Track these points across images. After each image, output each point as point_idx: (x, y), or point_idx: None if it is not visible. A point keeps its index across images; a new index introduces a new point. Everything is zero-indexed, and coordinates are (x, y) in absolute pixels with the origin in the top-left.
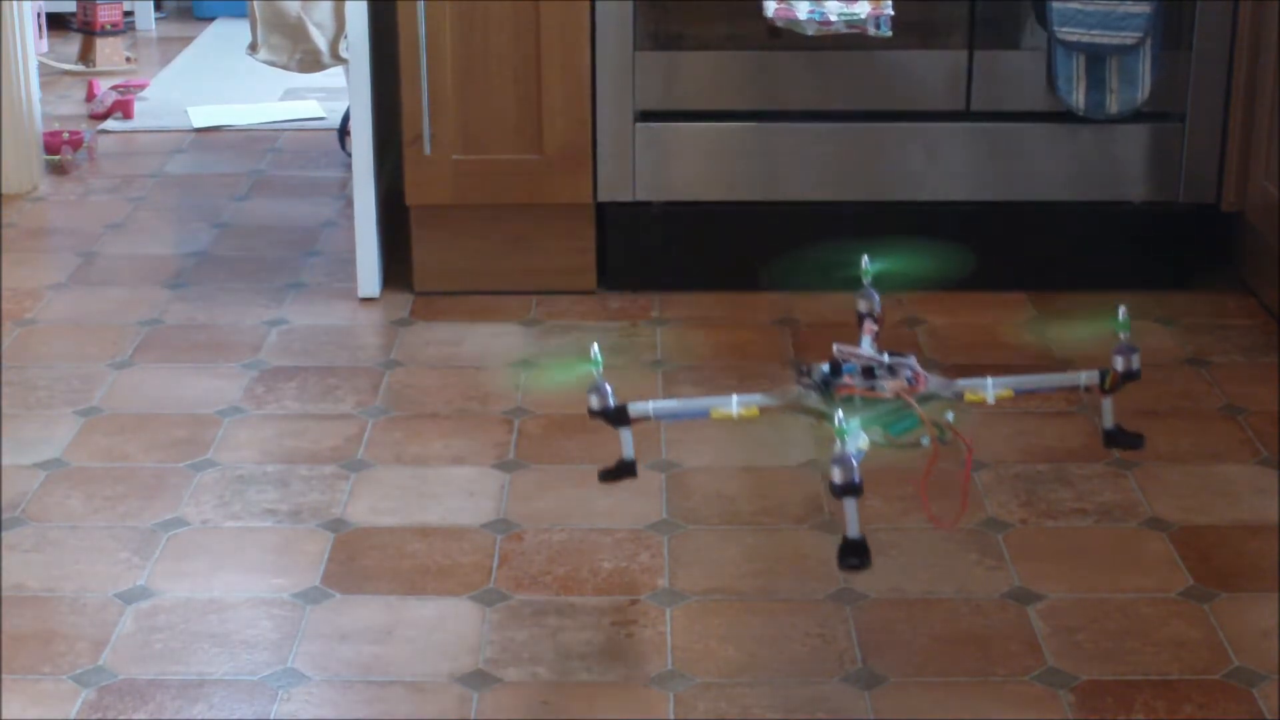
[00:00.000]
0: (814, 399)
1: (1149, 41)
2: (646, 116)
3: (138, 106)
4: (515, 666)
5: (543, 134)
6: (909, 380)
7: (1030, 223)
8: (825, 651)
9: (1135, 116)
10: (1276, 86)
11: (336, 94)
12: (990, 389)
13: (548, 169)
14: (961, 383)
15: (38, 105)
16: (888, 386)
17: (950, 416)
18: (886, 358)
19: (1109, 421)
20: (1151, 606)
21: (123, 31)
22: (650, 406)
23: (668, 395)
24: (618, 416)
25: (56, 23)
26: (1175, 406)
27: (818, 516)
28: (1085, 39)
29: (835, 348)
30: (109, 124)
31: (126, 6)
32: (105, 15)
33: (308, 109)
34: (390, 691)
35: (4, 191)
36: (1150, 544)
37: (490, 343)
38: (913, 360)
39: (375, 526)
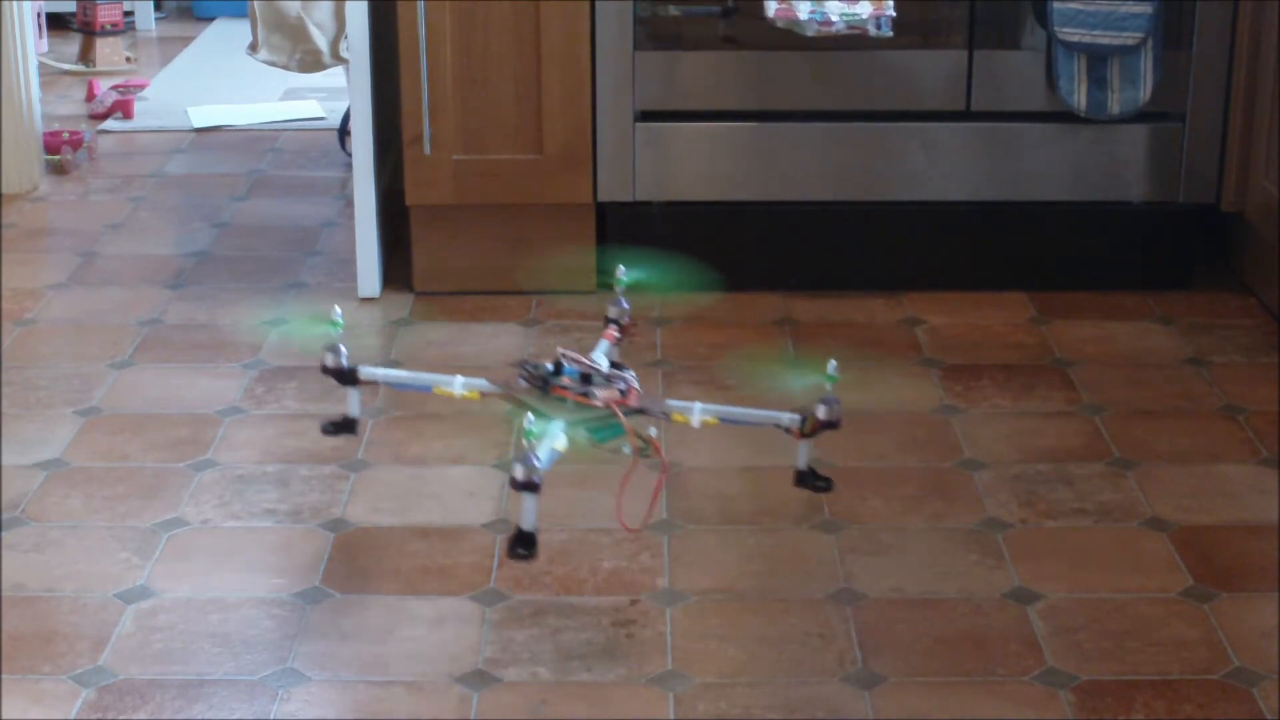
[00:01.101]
0: (531, 394)
1: (1150, 42)
2: (646, 116)
3: (138, 106)
4: (515, 666)
5: (543, 134)
6: (621, 392)
7: (1030, 223)
8: (825, 651)
9: (1136, 117)
10: (1276, 86)
11: (336, 94)
12: (696, 414)
13: (548, 169)
14: (671, 403)
15: (38, 105)
16: (600, 395)
17: (654, 432)
18: (606, 367)
19: (802, 463)
20: (1151, 606)
21: (123, 31)
22: (380, 373)
23: (668, 395)
24: (348, 377)
25: (56, 23)
26: (1175, 406)
27: (818, 516)
28: (1086, 39)
29: (559, 350)
30: (109, 124)
31: (126, 6)
32: (105, 15)
33: (308, 109)
34: (390, 691)
35: (4, 191)
36: (1150, 544)
37: (490, 343)
38: (631, 375)
39: (375, 526)
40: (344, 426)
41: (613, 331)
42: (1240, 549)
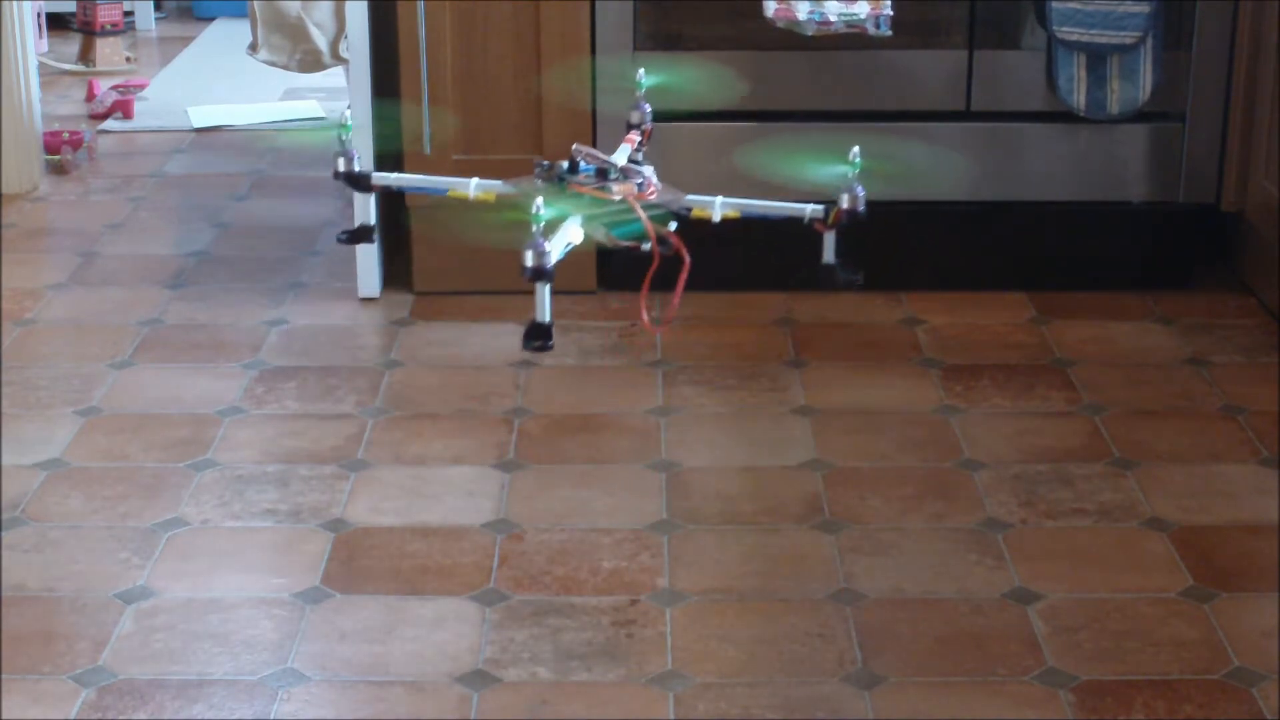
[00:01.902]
0: (547, 192)
1: (1150, 41)
2: None
3: (138, 106)
4: (515, 666)
5: (543, 134)
6: (639, 187)
7: (1030, 223)
8: (825, 651)
9: (1135, 116)
10: (1276, 86)
11: (336, 94)
12: (718, 207)
13: None
14: (690, 198)
15: (38, 105)
16: (617, 189)
17: (674, 227)
18: (622, 161)
19: (829, 255)
20: (1151, 606)
21: (123, 31)
22: (393, 177)
23: (668, 395)
24: (361, 183)
25: (56, 23)
26: (1175, 406)
27: (818, 516)
28: (1085, 38)
29: (574, 147)
30: (109, 124)
31: (126, 6)
32: (105, 15)
33: (308, 109)
34: (390, 691)
35: (4, 191)
36: (1150, 544)
37: (490, 343)
38: (649, 170)
39: (375, 526)
40: (360, 235)
41: (633, 136)
42: (1240, 549)
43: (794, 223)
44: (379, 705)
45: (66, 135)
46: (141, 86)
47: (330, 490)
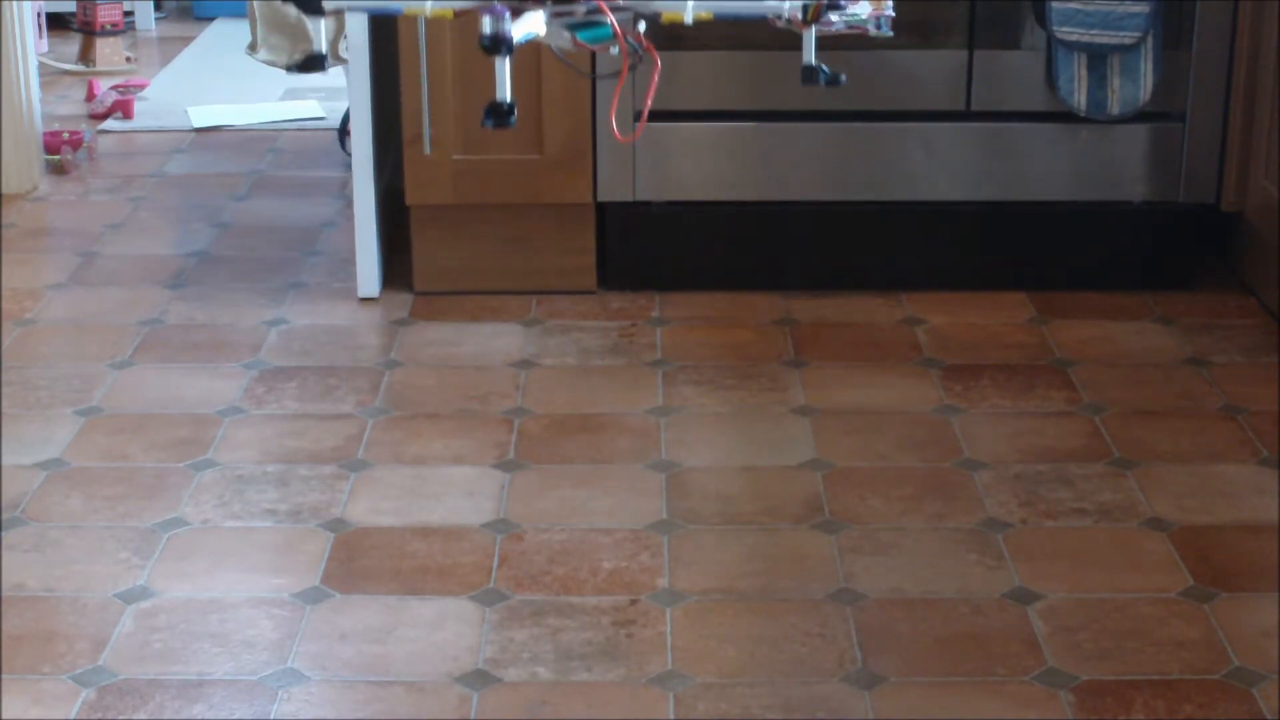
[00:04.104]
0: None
1: (1150, 41)
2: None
3: (138, 106)
4: (515, 666)
5: (543, 134)
6: None
7: (1030, 223)
8: (825, 651)
9: (1135, 116)
10: (1276, 86)
11: (336, 94)
12: (689, 10)
13: (548, 169)
14: (660, 1)
15: (38, 105)
16: None
17: (642, 28)
18: None
19: (809, 56)
20: (1151, 606)
21: (123, 31)
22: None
23: (668, 395)
24: (312, 6)
25: (56, 23)
26: (1175, 406)
27: (818, 516)
28: (1085, 39)
29: None
30: (109, 124)
31: (126, 6)
32: (105, 15)
33: (308, 109)
34: (390, 691)
35: (4, 191)
36: (1150, 544)
37: (490, 343)
38: None
39: (375, 526)
40: (310, 64)
41: None
42: (1240, 549)
43: (794, 221)
44: (379, 705)
45: (66, 135)
46: (141, 86)
47: (330, 490)
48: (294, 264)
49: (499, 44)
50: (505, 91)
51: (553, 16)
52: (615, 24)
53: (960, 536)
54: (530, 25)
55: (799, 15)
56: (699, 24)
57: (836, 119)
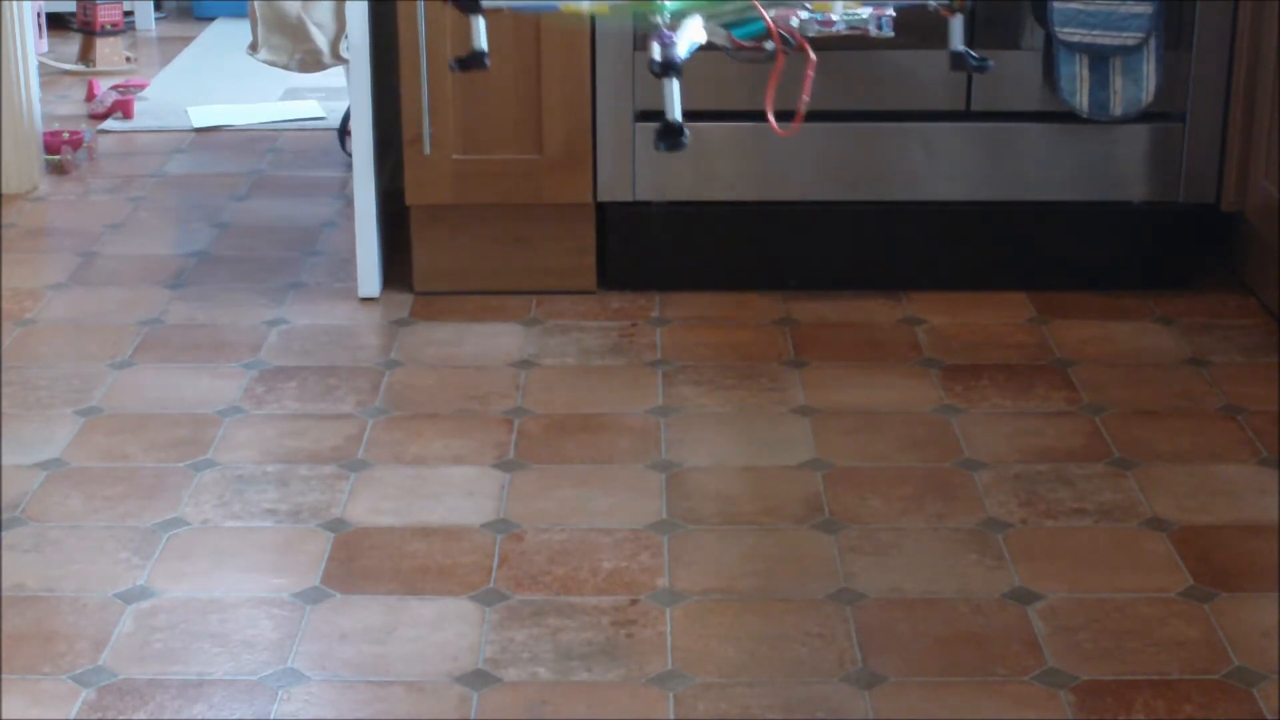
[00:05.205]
0: None
1: (1152, 42)
2: (646, 116)
3: (138, 106)
4: (515, 666)
5: (543, 134)
6: None
7: (1030, 223)
8: (825, 651)
9: (1135, 116)
10: (1276, 86)
11: (336, 94)
12: (839, 6)
13: (548, 169)
14: None
15: (38, 105)
16: None
17: (795, 23)
18: None
19: (956, 43)
20: (1151, 606)
21: (123, 31)
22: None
23: (668, 395)
24: (470, 4)
25: (56, 23)
26: (1175, 406)
27: (818, 516)
28: (1087, 39)
29: None
30: (109, 124)
31: (126, 6)
32: (105, 15)
33: (308, 109)
34: (390, 691)
35: (4, 191)
36: (1150, 544)
37: (490, 343)
38: None
39: (375, 526)
40: (473, 60)
41: None
42: (1240, 549)
43: (794, 221)
44: (379, 705)
45: (66, 135)
46: (141, 86)
47: (330, 490)
48: (294, 264)
49: (670, 68)
50: (676, 112)
51: (708, 19)
52: (768, 19)
53: (960, 536)
54: (692, 36)
55: (946, 2)
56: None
57: (836, 119)
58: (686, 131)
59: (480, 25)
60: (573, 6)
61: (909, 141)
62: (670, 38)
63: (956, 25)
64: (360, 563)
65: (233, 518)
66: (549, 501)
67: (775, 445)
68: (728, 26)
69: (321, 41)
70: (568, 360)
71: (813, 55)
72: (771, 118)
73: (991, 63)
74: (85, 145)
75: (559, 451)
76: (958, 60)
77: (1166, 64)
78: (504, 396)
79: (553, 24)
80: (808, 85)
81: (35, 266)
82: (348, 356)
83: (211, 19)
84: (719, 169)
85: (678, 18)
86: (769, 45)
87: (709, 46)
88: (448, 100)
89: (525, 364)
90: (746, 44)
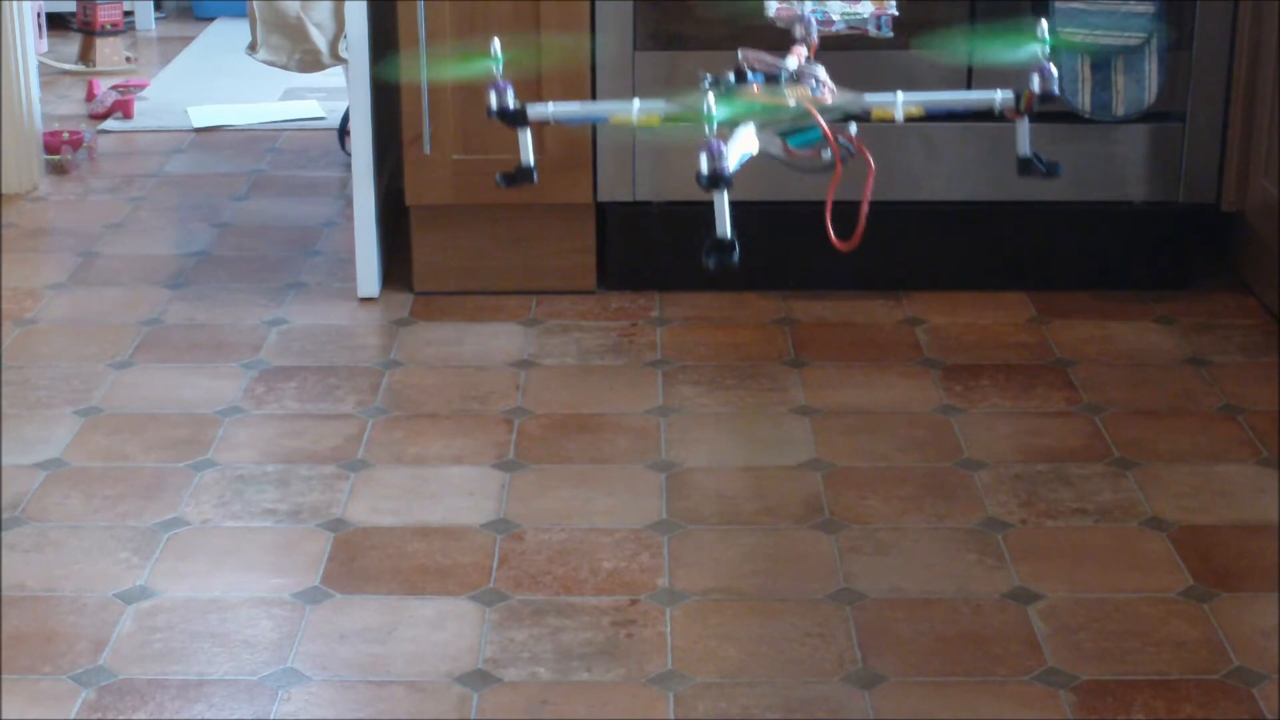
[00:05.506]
0: (717, 99)
1: (1154, 41)
2: None
3: (138, 106)
4: (515, 666)
5: (543, 134)
6: (814, 90)
7: (1030, 223)
8: (825, 651)
9: (1136, 116)
10: (1276, 86)
11: (336, 94)
12: (899, 105)
13: (548, 169)
14: (870, 97)
15: (38, 105)
16: (790, 93)
17: (854, 130)
18: (793, 66)
19: (1023, 148)
20: (1151, 606)
21: (123, 31)
22: (550, 108)
23: (668, 395)
24: (517, 118)
25: (56, 23)
26: (1175, 406)
27: (818, 516)
28: (1089, 39)
29: (740, 53)
30: (109, 124)
31: (126, 6)
32: (105, 15)
33: (308, 109)
34: (390, 691)
35: (4, 191)
36: (1150, 544)
37: (490, 343)
38: (821, 70)
39: (375, 526)
40: (521, 175)
41: (800, 49)
42: (1240, 549)
43: (794, 221)
44: (379, 705)
45: (66, 135)
46: (141, 86)
47: (330, 490)
48: (294, 264)
49: (718, 181)
50: (726, 227)
51: (761, 128)
52: (825, 127)
53: (960, 536)
54: (743, 146)
55: (1011, 104)
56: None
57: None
58: (738, 247)
59: (527, 138)
60: (622, 118)
61: (909, 141)
62: (719, 148)
63: (1023, 129)
64: (360, 563)
65: (233, 518)
66: (549, 501)
67: (775, 445)
68: (783, 135)
69: (321, 41)
70: (568, 360)
71: (872, 163)
72: (831, 231)
73: (1062, 167)
74: (85, 145)
75: (559, 451)
76: (1025, 166)
77: (1167, 64)
78: (504, 396)
79: (553, 23)
80: (867, 195)
81: (35, 266)
82: (348, 356)
83: (211, 19)
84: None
85: (729, 126)
86: (826, 154)
87: (762, 154)
88: (448, 100)
89: (525, 364)
90: (803, 153)
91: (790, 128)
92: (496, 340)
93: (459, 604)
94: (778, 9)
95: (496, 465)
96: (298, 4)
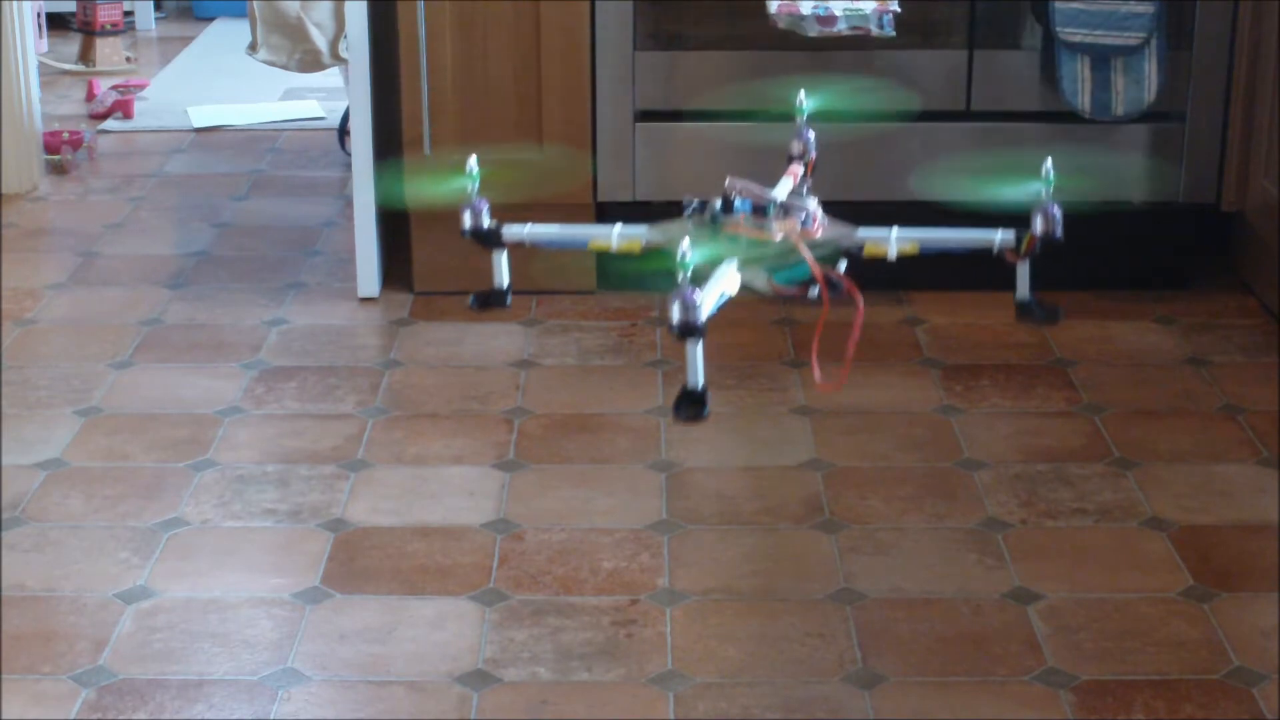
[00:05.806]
0: (699, 236)
1: (1154, 42)
2: (646, 116)
3: (138, 106)
4: (515, 666)
5: (543, 134)
6: (803, 223)
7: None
8: (825, 651)
9: (1136, 117)
10: (1276, 86)
11: (336, 94)
12: (893, 241)
13: (548, 169)
14: (862, 232)
15: (38, 105)
16: (778, 227)
17: (843, 267)
18: (783, 196)
19: (1023, 291)
20: (1151, 606)
21: (123, 31)
22: (526, 230)
23: (668, 395)
24: (491, 238)
25: (56, 23)
26: (1175, 406)
27: (818, 516)
28: (1088, 39)
29: (728, 181)
30: (109, 124)
31: (126, 6)
32: (105, 15)
33: (308, 109)
34: (390, 691)
35: (4, 191)
36: (1150, 544)
37: (490, 343)
38: (813, 203)
39: (375, 526)
40: (493, 298)
41: (795, 168)
42: (1240, 549)
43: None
44: (379, 705)
45: (66, 135)
46: (141, 86)
47: (330, 490)
48: (294, 264)
49: (690, 331)
50: (698, 377)
51: (745, 264)
52: (813, 262)
53: (960, 536)
54: (722, 286)
55: (1012, 245)
56: (698, 22)
57: (836, 118)
58: (709, 400)
59: (502, 260)
60: (601, 243)
61: (909, 141)
62: (692, 298)
63: (1023, 273)
64: (360, 563)
65: (233, 518)
66: (549, 501)
67: (775, 445)
68: (769, 271)
69: (321, 41)
70: (568, 360)
71: (861, 303)
72: (817, 370)
73: (1062, 312)
74: (85, 145)
75: (559, 451)
76: (1024, 310)
77: (1167, 64)
78: (504, 396)
79: (553, 24)
80: (855, 335)
81: (35, 266)
82: (348, 356)
83: (211, 19)
84: (719, 169)
85: (711, 265)
86: (814, 291)
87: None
88: (448, 100)
89: (525, 364)
90: (789, 290)
91: (777, 263)
92: (496, 340)
93: (459, 604)
94: (779, 7)
95: (496, 465)
96: (298, 4)
